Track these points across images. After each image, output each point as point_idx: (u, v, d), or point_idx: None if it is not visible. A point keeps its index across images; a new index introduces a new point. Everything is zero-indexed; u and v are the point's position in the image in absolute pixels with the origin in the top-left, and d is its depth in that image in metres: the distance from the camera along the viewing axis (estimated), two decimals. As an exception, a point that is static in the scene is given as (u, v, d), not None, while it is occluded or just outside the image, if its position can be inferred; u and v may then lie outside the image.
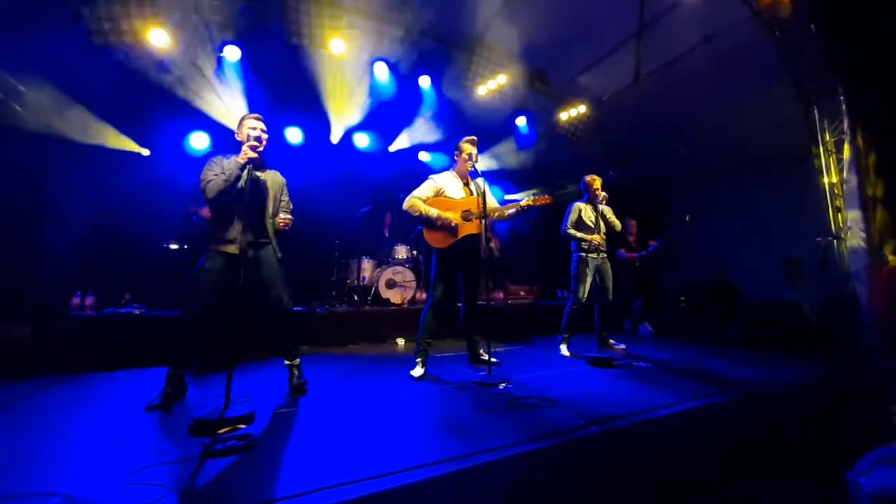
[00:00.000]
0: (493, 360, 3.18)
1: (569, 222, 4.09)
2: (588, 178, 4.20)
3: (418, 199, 3.18)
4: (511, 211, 3.29)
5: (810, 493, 2.08)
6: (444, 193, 3.25)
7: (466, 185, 3.34)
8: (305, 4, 4.45)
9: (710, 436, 2.36)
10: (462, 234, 3.14)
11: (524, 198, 3.29)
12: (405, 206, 3.19)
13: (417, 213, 3.15)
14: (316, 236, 5.49)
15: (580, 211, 4.10)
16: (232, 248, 2.50)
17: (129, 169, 5.14)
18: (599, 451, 1.97)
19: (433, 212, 3.13)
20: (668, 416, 2.26)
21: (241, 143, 2.54)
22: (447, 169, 3.44)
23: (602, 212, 4.11)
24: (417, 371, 3.10)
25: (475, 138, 3.33)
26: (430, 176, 3.33)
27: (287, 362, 2.75)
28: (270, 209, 2.70)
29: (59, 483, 1.49)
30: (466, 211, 3.18)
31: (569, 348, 3.96)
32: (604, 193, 4.08)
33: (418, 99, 5.69)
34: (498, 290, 6.29)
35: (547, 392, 2.61)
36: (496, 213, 3.30)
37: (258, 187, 2.63)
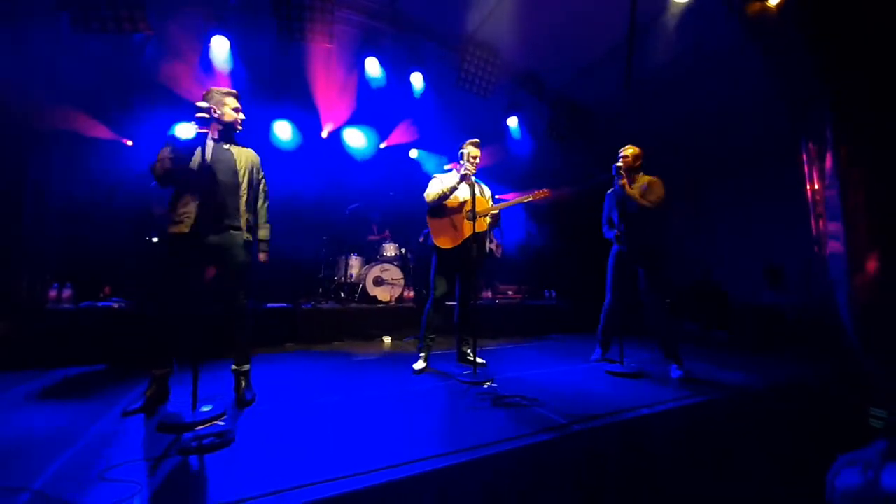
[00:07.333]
0: (479, 360, 3.29)
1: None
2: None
3: (432, 190, 3.24)
4: (506, 205, 3.30)
5: (791, 491, 2.12)
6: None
7: (469, 184, 3.24)
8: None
9: (692, 436, 2.39)
10: (466, 234, 3.23)
11: (515, 196, 3.28)
12: (427, 200, 3.25)
13: (436, 197, 3.19)
14: (304, 232, 5.44)
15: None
16: (182, 228, 2.18)
17: (113, 159, 5.03)
18: (582, 450, 1.97)
19: (446, 186, 3.18)
20: (650, 415, 2.29)
21: (210, 119, 2.13)
22: (453, 166, 3.46)
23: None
24: (419, 364, 3.23)
25: (478, 140, 3.31)
26: (434, 175, 3.39)
27: (234, 367, 2.45)
28: (244, 188, 2.39)
29: (32, 479, 1.45)
30: (470, 211, 3.15)
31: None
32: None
33: (409, 96, 5.64)
34: (486, 289, 6.30)
35: (531, 391, 2.62)
36: (498, 209, 3.34)
37: (221, 163, 2.32)
